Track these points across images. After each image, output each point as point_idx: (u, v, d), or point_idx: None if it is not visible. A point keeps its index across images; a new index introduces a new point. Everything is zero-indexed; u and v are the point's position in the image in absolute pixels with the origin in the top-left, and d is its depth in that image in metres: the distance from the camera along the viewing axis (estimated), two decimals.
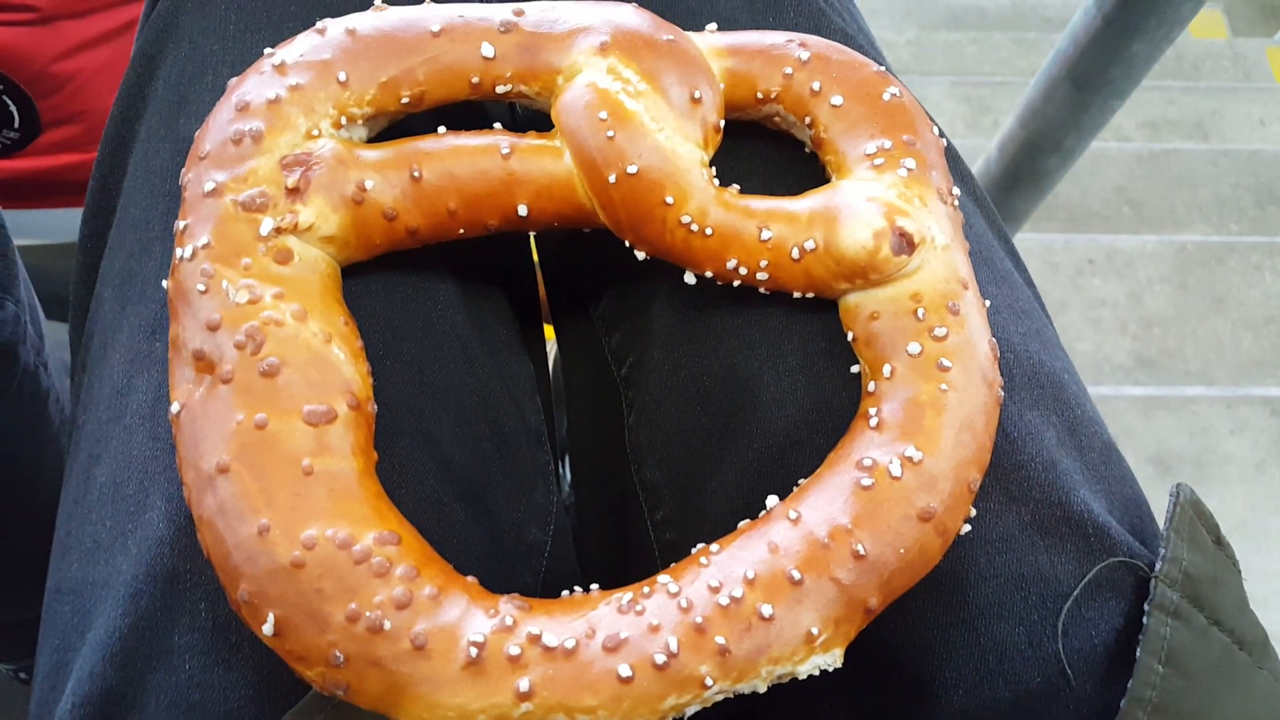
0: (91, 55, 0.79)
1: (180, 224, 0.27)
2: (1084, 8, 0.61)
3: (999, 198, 0.69)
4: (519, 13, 0.30)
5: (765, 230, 0.28)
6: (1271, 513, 0.86)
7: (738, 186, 0.30)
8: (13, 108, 0.77)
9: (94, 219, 0.36)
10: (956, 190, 0.30)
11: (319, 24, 0.29)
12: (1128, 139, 1.60)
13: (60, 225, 0.88)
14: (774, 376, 0.30)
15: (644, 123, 0.28)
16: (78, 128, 0.83)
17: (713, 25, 0.32)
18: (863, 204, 0.27)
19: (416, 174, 0.28)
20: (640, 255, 0.30)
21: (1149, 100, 1.68)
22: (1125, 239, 1.16)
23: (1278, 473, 0.88)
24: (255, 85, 0.28)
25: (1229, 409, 0.91)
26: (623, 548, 0.37)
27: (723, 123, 0.30)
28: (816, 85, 0.30)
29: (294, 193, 0.27)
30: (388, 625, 0.23)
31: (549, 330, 0.45)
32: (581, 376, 0.39)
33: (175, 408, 0.26)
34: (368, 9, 0.30)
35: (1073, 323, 1.05)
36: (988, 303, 0.29)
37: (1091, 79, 0.59)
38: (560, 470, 0.49)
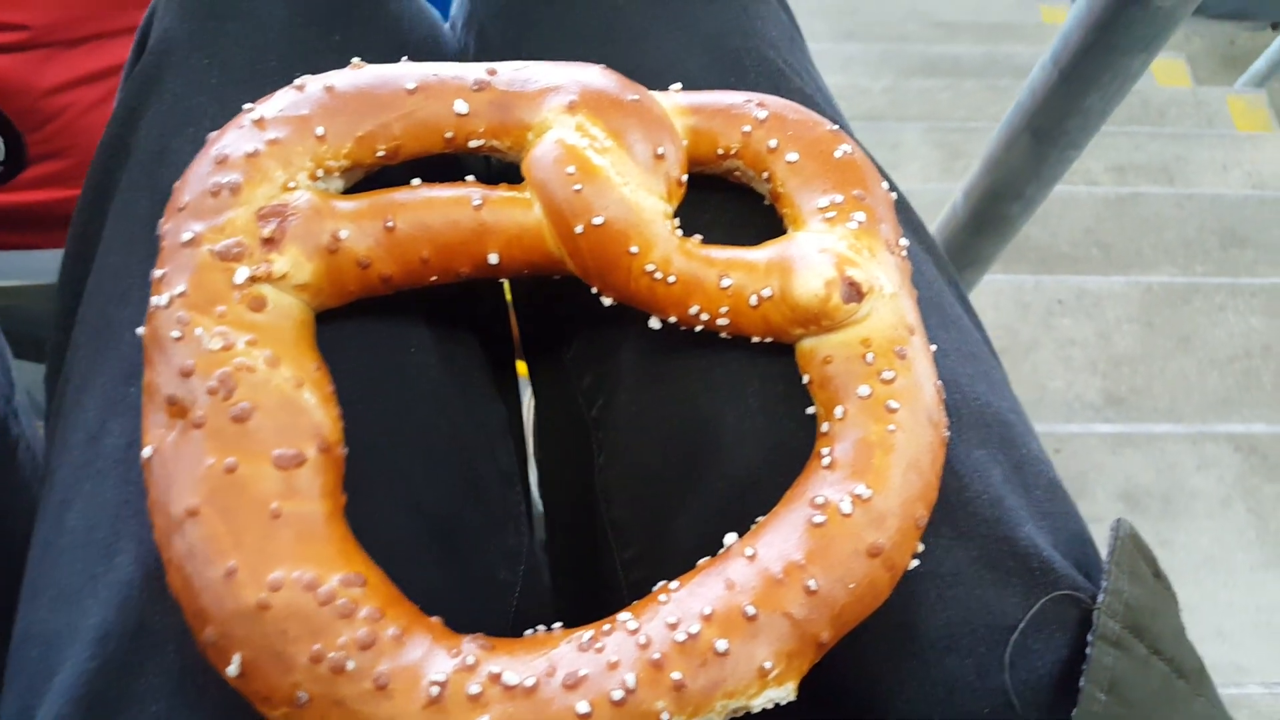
0: (82, 92, 0.80)
1: (157, 272, 0.28)
2: (1041, 63, 0.63)
3: (966, 242, 0.71)
4: (491, 72, 0.31)
5: (725, 278, 0.29)
6: (1237, 548, 0.88)
7: (700, 236, 0.31)
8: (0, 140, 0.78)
9: (72, 265, 0.37)
10: (905, 241, 0.31)
11: (298, 80, 0.31)
12: (1096, 183, 1.64)
13: (35, 267, 0.88)
14: (736, 418, 0.31)
15: (609, 177, 0.30)
16: (64, 163, 0.83)
17: (677, 85, 0.34)
18: (815, 255, 0.29)
19: (390, 224, 0.29)
20: (607, 301, 0.31)
21: (1116, 145, 1.73)
22: (1094, 280, 1.19)
23: (1242, 508, 0.90)
24: (234, 139, 0.30)
25: (1194, 445, 0.93)
26: (595, 586, 0.37)
27: (685, 177, 0.31)
28: (773, 143, 0.31)
29: (269, 243, 0.28)
30: (351, 665, 0.23)
31: (521, 366, 0.45)
32: (554, 418, 0.40)
33: (147, 452, 0.26)
34: (345, 67, 0.32)
35: (1044, 361, 1.07)
36: (934, 347, 0.30)
37: (1049, 130, 0.62)
38: (533, 510, 0.49)
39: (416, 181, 0.31)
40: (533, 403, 0.44)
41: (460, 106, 0.31)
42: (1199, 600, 0.85)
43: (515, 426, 0.40)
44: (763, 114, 0.32)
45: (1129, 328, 1.12)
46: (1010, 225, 0.68)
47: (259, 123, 0.30)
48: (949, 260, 0.75)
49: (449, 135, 0.31)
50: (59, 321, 0.37)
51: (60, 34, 0.79)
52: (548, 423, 0.41)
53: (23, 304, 0.90)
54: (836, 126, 0.33)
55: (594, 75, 0.32)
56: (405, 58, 0.33)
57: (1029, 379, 1.04)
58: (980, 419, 0.31)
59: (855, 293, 0.28)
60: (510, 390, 0.42)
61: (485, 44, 0.41)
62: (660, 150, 0.31)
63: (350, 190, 0.31)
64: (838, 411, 0.28)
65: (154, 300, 0.28)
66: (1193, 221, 1.42)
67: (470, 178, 0.31)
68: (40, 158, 0.82)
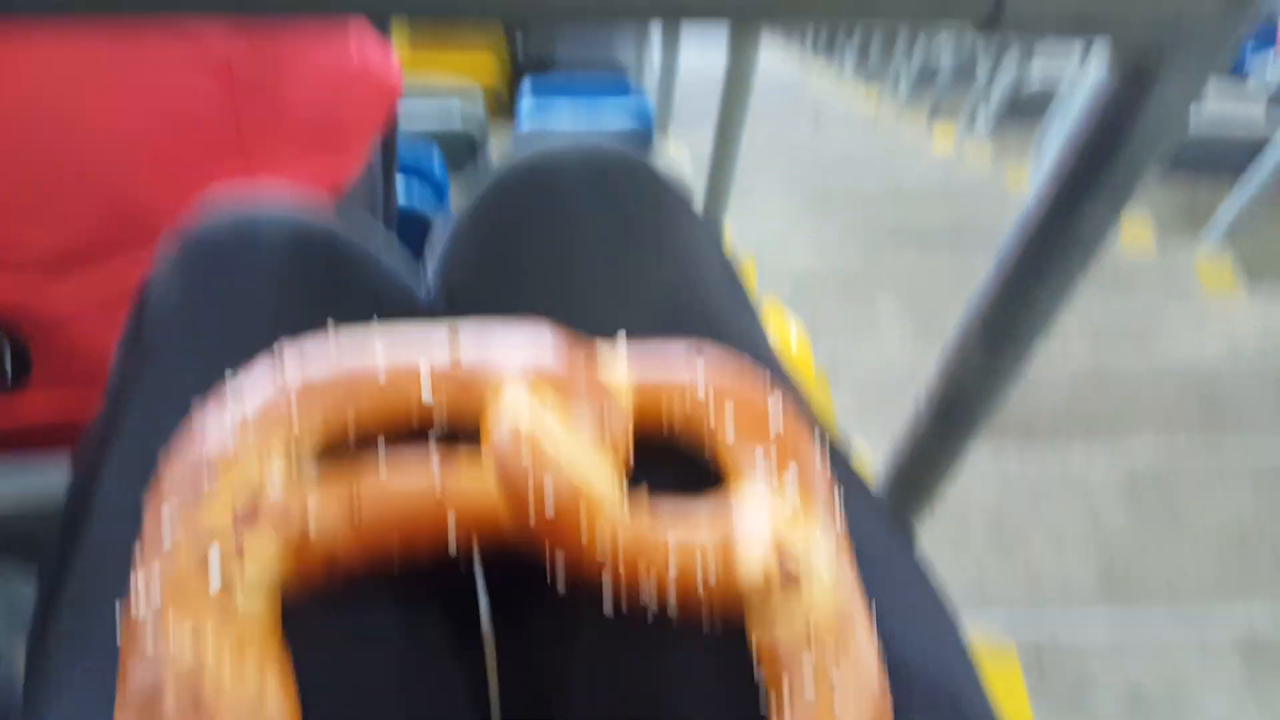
0: (86, 309, 0.85)
1: (137, 575, 0.30)
2: (986, 274, 0.68)
3: (931, 443, 0.73)
4: (455, 359, 0.34)
5: (671, 565, 0.31)
6: None
7: (647, 484, 0.33)
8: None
9: (62, 543, 0.38)
10: (840, 503, 0.33)
11: (277, 358, 0.34)
12: (1072, 353, 1.70)
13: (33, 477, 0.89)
14: (691, 704, 0.31)
15: (560, 463, 0.32)
16: (70, 384, 0.86)
17: (622, 332, 0.37)
18: (753, 539, 0.30)
19: (356, 519, 0.31)
20: (562, 587, 0.32)
21: (1089, 311, 1.80)
22: (1078, 459, 1.20)
23: (1254, 710, 0.85)
24: (215, 432, 0.32)
25: (1197, 636, 0.90)
26: None
27: (633, 446, 0.34)
28: (714, 421, 0.34)
29: (241, 547, 0.30)
30: None
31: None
32: (516, 697, 0.40)
33: None
34: (323, 328, 0.35)
35: (1033, 547, 1.07)
36: (873, 603, 0.31)
37: (998, 339, 0.66)
38: None
39: (380, 447, 0.33)
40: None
41: (425, 395, 0.33)
42: None
43: (483, 694, 0.39)
44: (704, 389, 0.35)
45: (1117, 508, 1.12)
46: (975, 424, 0.71)
47: (238, 412, 0.32)
48: (916, 462, 0.76)
49: (415, 420, 0.34)
50: (44, 597, 0.38)
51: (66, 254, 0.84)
52: (510, 700, 0.41)
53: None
54: (775, 392, 0.35)
55: (547, 356, 0.35)
56: (378, 316, 0.36)
57: (1019, 565, 1.03)
58: (930, 688, 0.32)
59: (792, 579, 0.29)
60: (478, 653, 0.42)
61: (454, 301, 0.46)
62: (608, 430, 0.33)
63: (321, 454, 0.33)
64: (785, 696, 0.29)
65: (130, 604, 0.29)
66: (1170, 387, 1.46)
67: (433, 432, 0.33)
68: (44, 375, 0.85)
